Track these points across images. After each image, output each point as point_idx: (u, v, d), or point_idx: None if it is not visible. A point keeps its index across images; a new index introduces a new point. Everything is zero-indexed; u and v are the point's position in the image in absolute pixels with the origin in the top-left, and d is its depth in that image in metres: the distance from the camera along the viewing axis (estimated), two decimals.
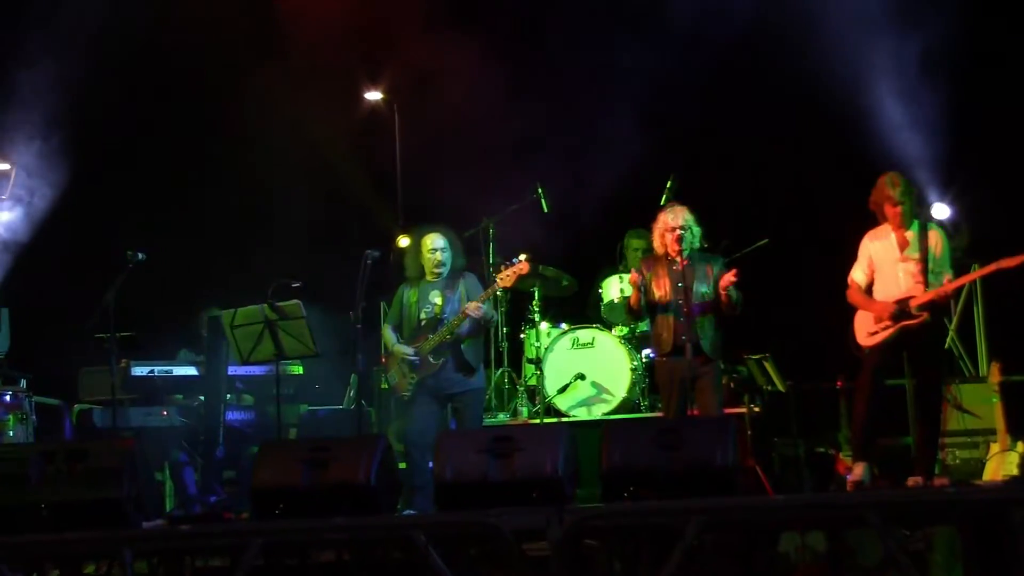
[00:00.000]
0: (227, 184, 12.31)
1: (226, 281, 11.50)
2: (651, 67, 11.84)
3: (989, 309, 11.18)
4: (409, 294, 9.54)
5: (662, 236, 9.04)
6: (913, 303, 8.46)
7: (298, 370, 10.68)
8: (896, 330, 8.50)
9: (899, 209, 8.55)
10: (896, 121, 10.95)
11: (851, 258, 8.82)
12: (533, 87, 12.33)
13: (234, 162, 12.25)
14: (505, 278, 9.29)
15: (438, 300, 9.42)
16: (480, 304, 9.25)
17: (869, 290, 8.73)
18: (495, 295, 9.62)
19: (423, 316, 9.43)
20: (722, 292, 8.82)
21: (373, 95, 12.59)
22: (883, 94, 11.06)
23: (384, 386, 10.26)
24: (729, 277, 8.80)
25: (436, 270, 9.49)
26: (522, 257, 9.32)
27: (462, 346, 9.36)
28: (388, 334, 9.62)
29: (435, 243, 9.49)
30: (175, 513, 9.38)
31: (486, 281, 9.72)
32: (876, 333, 8.57)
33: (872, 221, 8.76)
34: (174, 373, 10.38)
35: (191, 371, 10.40)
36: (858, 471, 8.50)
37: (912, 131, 10.86)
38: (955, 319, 11.19)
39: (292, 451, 8.03)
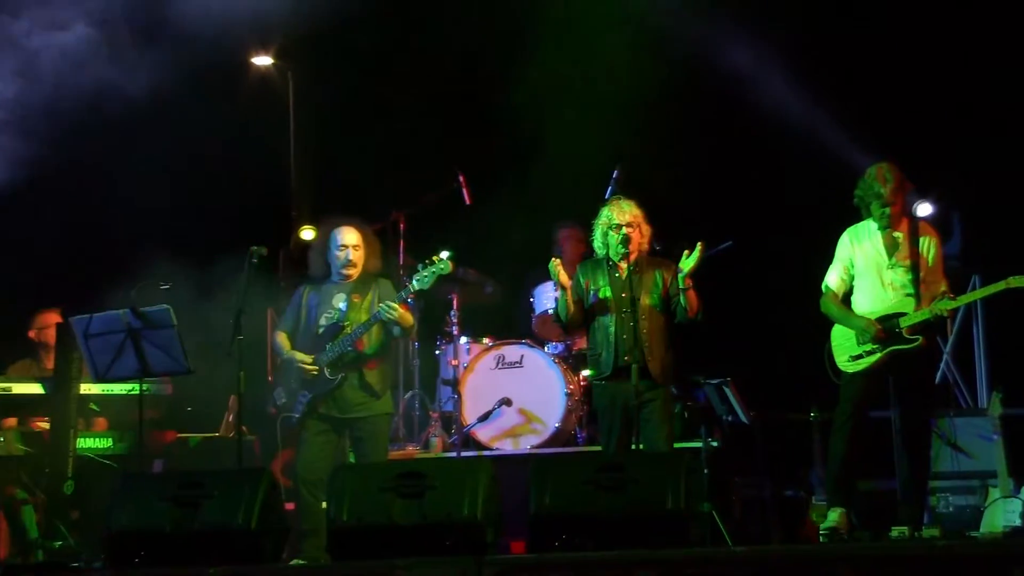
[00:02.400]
0: None
1: (79, 280, 11.40)
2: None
3: (990, 330, 11.32)
4: (309, 296, 9.52)
5: (604, 236, 9.08)
6: (904, 324, 8.55)
7: (167, 390, 10.60)
8: (884, 356, 8.60)
9: (888, 211, 8.66)
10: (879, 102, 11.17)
11: (829, 263, 8.91)
12: (457, 45, 12.38)
13: None
14: (423, 279, 9.29)
15: (342, 305, 9.40)
16: (393, 304, 9.23)
17: (848, 299, 8.82)
18: (410, 300, 9.59)
19: (323, 322, 9.42)
20: (686, 282, 8.83)
21: (262, 60, 12.55)
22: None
23: (270, 409, 10.22)
24: (693, 257, 8.76)
25: (345, 271, 9.48)
26: (444, 255, 9.32)
27: (365, 362, 9.34)
28: (281, 340, 9.57)
29: (345, 239, 9.48)
30: (10, 562, 9.27)
31: (399, 288, 9.73)
32: (860, 357, 8.66)
33: (855, 216, 8.85)
34: (13, 391, 10.27)
35: (34, 388, 10.30)
36: (833, 518, 8.59)
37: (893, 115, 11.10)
38: (950, 340, 11.32)
39: (157, 487, 7.99)
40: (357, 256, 9.48)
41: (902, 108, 11.43)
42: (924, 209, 10.79)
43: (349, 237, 9.48)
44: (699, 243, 8.83)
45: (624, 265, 8.99)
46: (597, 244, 9.11)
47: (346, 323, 9.36)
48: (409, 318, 9.42)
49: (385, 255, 10.58)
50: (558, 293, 9.16)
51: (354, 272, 9.49)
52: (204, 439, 11.03)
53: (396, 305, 9.23)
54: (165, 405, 10.65)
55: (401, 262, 11.28)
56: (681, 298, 8.87)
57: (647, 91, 11.82)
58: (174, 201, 12.15)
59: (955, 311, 10.59)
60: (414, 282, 9.28)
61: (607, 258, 9.07)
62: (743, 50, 11.73)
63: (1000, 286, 8.57)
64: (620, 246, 8.96)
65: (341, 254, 9.47)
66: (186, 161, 12.26)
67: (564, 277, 8.99)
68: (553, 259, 9.06)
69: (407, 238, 11.38)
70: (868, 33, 11.63)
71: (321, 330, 9.41)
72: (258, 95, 12.52)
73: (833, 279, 8.86)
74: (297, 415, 9.38)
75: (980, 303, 11.14)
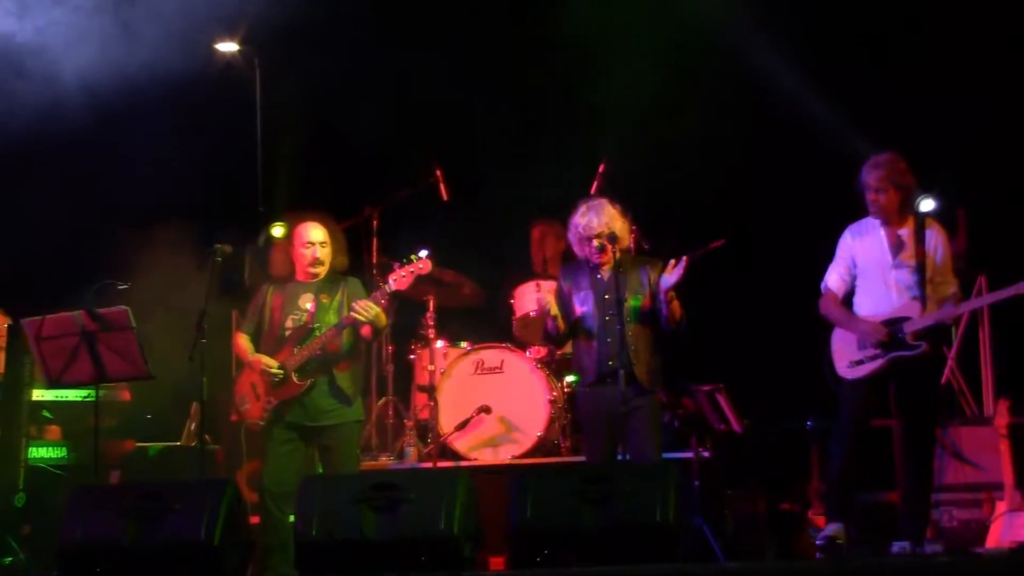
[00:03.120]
0: None
1: (31, 279, 11.38)
2: None
3: (997, 335, 11.32)
4: (274, 296, 9.48)
5: (580, 244, 9.06)
6: (910, 329, 8.55)
7: (125, 396, 10.57)
8: (886, 362, 8.60)
9: (871, 197, 8.63)
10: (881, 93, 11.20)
11: (829, 261, 8.90)
12: (430, 39, 12.38)
13: None
14: (400, 279, 9.27)
15: (309, 306, 9.38)
16: (370, 303, 9.20)
17: (850, 301, 8.82)
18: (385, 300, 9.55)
19: (289, 324, 9.39)
20: (664, 294, 8.83)
21: (227, 46, 12.53)
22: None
23: (234, 416, 10.21)
24: (676, 272, 8.74)
25: (311, 269, 9.44)
26: (422, 254, 9.30)
27: (335, 366, 9.32)
28: (243, 343, 9.53)
29: (311, 235, 9.44)
30: None
31: (371, 288, 9.70)
32: (861, 363, 8.66)
33: (859, 213, 8.85)
34: None
35: None
36: (831, 533, 8.59)
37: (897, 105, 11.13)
38: (955, 346, 11.33)
39: (114, 499, 7.97)
40: (324, 254, 9.43)
41: (905, 96, 11.43)
42: (927, 205, 10.77)
43: (315, 233, 9.44)
44: (684, 257, 8.80)
45: (606, 267, 8.98)
46: (575, 249, 9.10)
47: (314, 325, 9.33)
48: (384, 319, 9.39)
49: (357, 253, 10.58)
50: (550, 322, 9.07)
51: (321, 271, 9.45)
52: (164, 448, 10.99)
53: (373, 304, 9.18)
54: (123, 412, 10.64)
55: (375, 261, 11.25)
56: (663, 307, 8.86)
57: (634, 85, 11.86)
58: (132, 196, 12.10)
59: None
60: (390, 282, 9.25)
61: (588, 260, 9.06)
62: (741, 34, 11.72)
63: (1009, 292, 8.55)
64: (595, 256, 8.95)
65: (307, 251, 9.42)
66: (145, 153, 12.23)
67: (555, 308, 8.96)
68: (547, 291, 9.02)
69: (381, 236, 11.34)
70: (872, 17, 11.64)
71: (287, 332, 9.37)
72: (223, 84, 12.48)
73: (833, 279, 8.85)
74: (262, 423, 9.34)
75: (987, 306, 11.13)
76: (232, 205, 12.41)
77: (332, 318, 9.30)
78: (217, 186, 12.54)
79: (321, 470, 9.56)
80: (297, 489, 8.10)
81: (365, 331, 9.33)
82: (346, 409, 9.32)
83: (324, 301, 9.37)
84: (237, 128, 12.54)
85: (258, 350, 9.41)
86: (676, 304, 8.84)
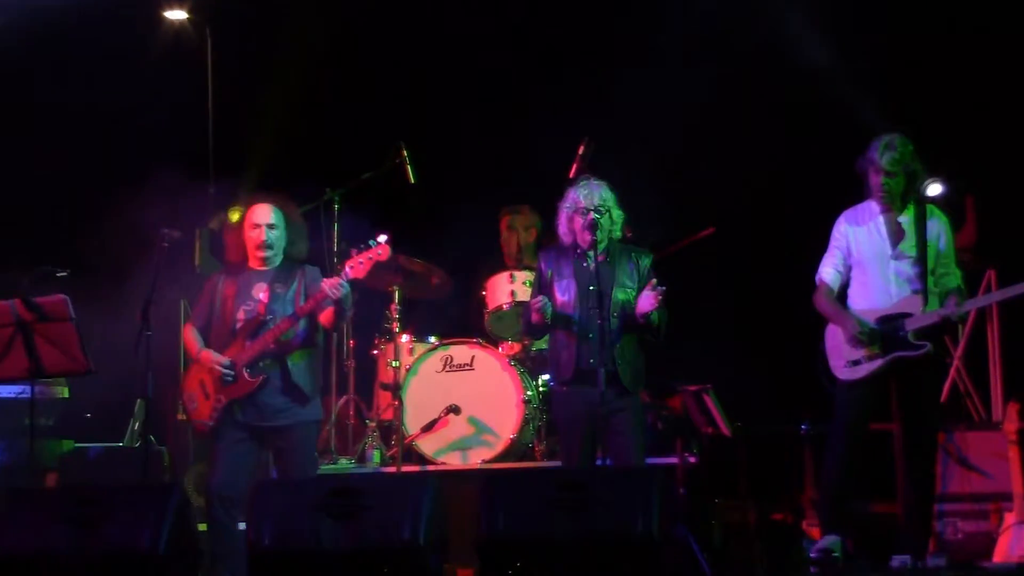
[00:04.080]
0: None
1: None
2: None
3: (1007, 333, 11.36)
4: (226, 286, 9.43)
5: (571, 220, 9.04)
6: (911, 327, 8.54)
7: (63, 392, 10.53)
8: (886, 362, 8.60)
9: (881, 180, 8.63)
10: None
11: (823, 252, 8.90)
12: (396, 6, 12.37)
13: None
14: (357, 266, 9.23)
15: (263, 295, 9.33)
16: (341, 282, 9.15)
17: (845, 294, 8.81)
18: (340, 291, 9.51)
19: (241, 316, 9.34)
20: (639, 316, 8.82)
21: (176, 14, 12.49)
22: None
23: (181, 415, 10.19)
24: (649, 299, 8.76)
25: (261, 253, 9.39)
26: (381, 239, 9.26)
27: (290, 361, 9.28)
28: (192, 337, 9.47)
29: (262, 217, 9.38)
30: None
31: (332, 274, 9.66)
32: (858, 364, 8.66)
33: (857, 199, 8.84)
34: None
35: None
36: (826, 545, 8.59)
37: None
38: (961, 345, 11.35)
39: (49, 504, 7.96)
40: (274, 237, 9.38)
41: (914, 75, 11.44)
42: (934, 189, 10.77)
43: (266, 215, 9.38)
44: (660, 287, 8.76)
45: (593, 255, 8.94)
46: (562, 230, 9.06)
47: (268, 316, 9.28)
48: (350, 303, 9.36)
49: (318, 240, 10.55)
50: (536, 315, 9.02)
51: (271, 255, 9.40)
52: (106, 449, 10.97)
53: (340, 284, 9.13)
54: (60, 410, 10.60)
55: (336, 248, 11.22)
56: (639, 319, 8.85)
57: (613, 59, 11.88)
58: (74, 175, 12.07)
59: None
60: (347, 270, 9.20)
61: (574, 246, 9.03)
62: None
63: (1021, 288, 8.58)
64: (586, 233, 8.92)
65: (256, 235, 9.37)
66: (90, 129, 12.19)
67: (538, 307, 8.94)
68: (543, 297, 8.98)
69: (342, 221, 11.31)
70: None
71: (239, 324, 9.32)
72: (171, 55, 12.44)
73: (827, 271, 8.85)
74: (211, 423, 9.29)
75: (996, 303, 11.15)
76: (182, 186, 12.37)
77: (287, 309, 9.26)
78: (165, 166, 12.49)
79: (275, 474, 9.54)
80: (249, 494, 8.08)
81: (325, 319, 9.28)
82: (302, 408, 9.27)
83: (279, 291, 9.31)
84: (187, 104, 12.49)
85: (208, 344, 9.36)
86: (647, 321, 8.83)
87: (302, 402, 9.27)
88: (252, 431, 9.26)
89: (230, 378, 9.22)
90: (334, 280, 9.12)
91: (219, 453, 9.28)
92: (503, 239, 11.69)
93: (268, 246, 9.35)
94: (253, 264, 9.41)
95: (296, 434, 9.27)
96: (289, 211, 9.48)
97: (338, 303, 9.15)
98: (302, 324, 9.25)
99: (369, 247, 9.22)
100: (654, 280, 8.78)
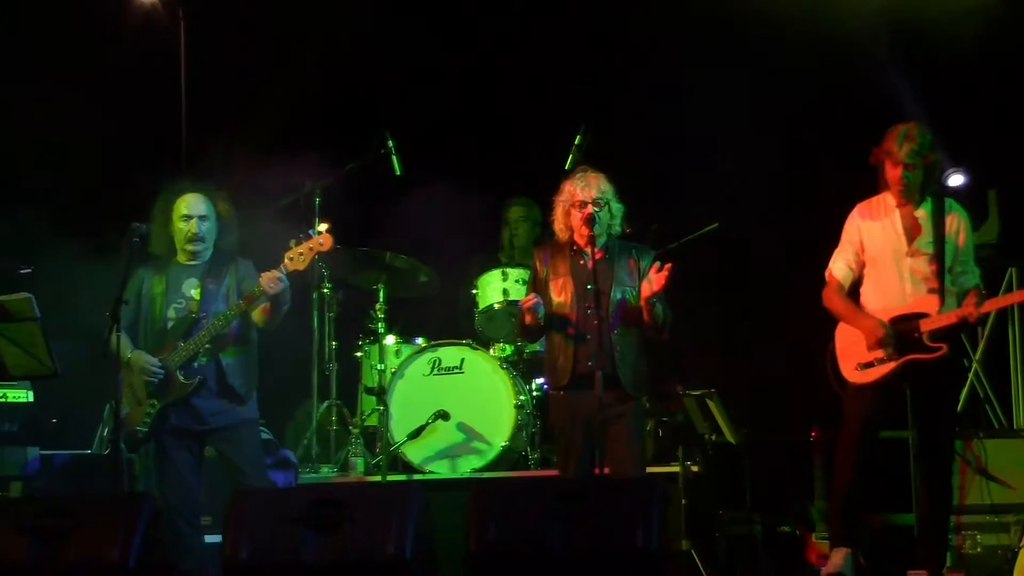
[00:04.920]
0: None
1: None
2: None
3: None
4: (152, 282, 9.40)
5: (567, 215, 9.05)
6: (926, 328, 8.55)
7: (26, 396, 10.53)
8: (899, 365, 8.61)
9: (900, 172, 8.63)
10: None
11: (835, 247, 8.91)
12: None
13: None
14: (297, 258, 9.20)
15: (195, 293, 9.32)
16: (280, 275, 9.13)
17: (857, 292, 8.82)
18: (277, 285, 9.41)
19: (171, 315, 9.32)
20: (643, 303, 8.83)
21: None
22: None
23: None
24: (657, 278, 8.78)
25: (190, 247, 9.37)
26: (321, 228, 9.25)
27: (224, 361, 9.28)
28: (121, 338, 9.42)
29: (191, 208, 9.37)
30: None
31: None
32: (870, 366, 8.67)
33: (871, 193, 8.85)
34: None
35: None
36: (837, 560, 8.62)
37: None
38: (980, 347, 11.37)
39: (13, 515, 7.92)
40: (204, 229, 9.37)
41: (933, 63, 11.44)
42: (955, 180, 10.78)
43: (195, 206, 9.36)
44: (667, 263, 8.77)
45: (590, 251, 8.95)
46: (558, 225, 9.07)
47: (201, 315, 9.26)
48: (288, 298, 9.33)
49: (272, 232, 10.45)
50: (529, 316, 9.02)
51: (200, 249, 9.39)
52: (73, 457, 10.96)
53: (280, 276, 9.10)
54: (24, 416, 10.60)
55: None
56: (643, 313, 8.85)
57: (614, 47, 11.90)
58: (38, 164, 12.06)
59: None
60: (284, 262, 9.18)
61: (571, 242, 9.04)
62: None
63: None
64: (584, 227, 8.92)
65: (184, 226, 9.35)
66: (55, 115, 12.18)
67: (530, 307, 8.93)
68: (535, 296, 8.98)
69: (324, 215, 11.31)
70: None
71: (170, 324, 9.31)
72: (142, 38, 12.43)
73: (839, 267, 8.85)
74: (145, 430, 9.27)
75: (1018, 304, 11.17)
76: (153, 179, 12.36)
77: (221, 306, 9.25)
78: (137, 157, 12.49)
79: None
80: (226, 505, 8.07)
81: (260, 316, 9.26)
82: (239, 407, 9.30)
83: (211, 287, 9.31)
84: (160, 91, 12.48)
85: (138, 345, 9.34)
86: (651, 314, 8.84)
87: (239, 402, 9.28)
88: (190, 435, 9.27)
89: (161, 380, 9.20)
90: (272, 274, 9.12)
91: (166, 469, 9.31)
92: (505, 234, 11.70)
93: (200, 239, 9.35)
94: (181, 258, 9.40)
95: (235, 435, 9.32)
96: (220, 200, 9.46)
97: (275, 299, 9.15)
98: (235, 322, 9.24)
99: (309, 236, 9.24)
100: (658, 263, 8.80)
